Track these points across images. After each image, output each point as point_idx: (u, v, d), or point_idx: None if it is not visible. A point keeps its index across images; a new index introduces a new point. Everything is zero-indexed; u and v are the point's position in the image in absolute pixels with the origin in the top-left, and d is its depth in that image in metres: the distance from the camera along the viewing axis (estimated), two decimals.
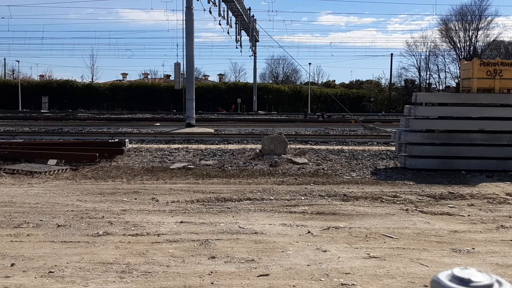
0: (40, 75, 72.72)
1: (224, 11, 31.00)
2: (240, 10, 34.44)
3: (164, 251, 4.90)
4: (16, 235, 5.47)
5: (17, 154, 11.59)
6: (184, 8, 22.50)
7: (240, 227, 5.82)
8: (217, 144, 15.55)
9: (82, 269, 4.37)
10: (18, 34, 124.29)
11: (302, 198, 7.61)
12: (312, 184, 8.86)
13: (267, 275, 4.26)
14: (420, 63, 60.98)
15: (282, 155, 11.88)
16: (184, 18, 22.57)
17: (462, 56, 54.68)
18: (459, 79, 12.66)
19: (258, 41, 47.52)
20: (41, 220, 6.14)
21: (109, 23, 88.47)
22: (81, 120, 28.66)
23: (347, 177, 9.66)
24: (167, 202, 7.26)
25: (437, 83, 61.98)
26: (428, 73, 61.66)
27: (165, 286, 4.02)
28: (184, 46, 22.76)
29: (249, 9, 40.02)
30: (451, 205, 7.22)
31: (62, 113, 31.68)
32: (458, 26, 57.06)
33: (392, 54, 67.04)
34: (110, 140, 14.44)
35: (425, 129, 10.84)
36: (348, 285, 4.04)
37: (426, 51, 61.27)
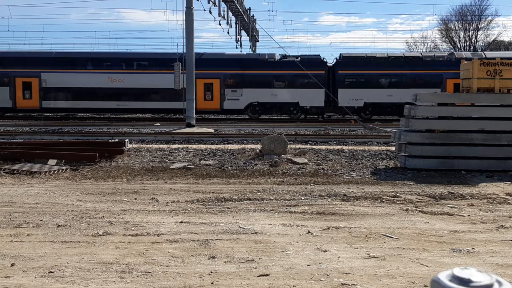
0: None
1: (224, 11, 30.92)
2: (240, 10, 34.38)
3: (164, 251, 4.90)
4: (16, 235, 5.47)
5: (17, 154, 11.59)
6: (184, 8, 22.46)
7: (240, 227, 5.82)
8: (217, 144, 15.54)
9: (82, 269, 4.38)
10: (18, 34, 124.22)
11: (302, 198, 7.61)
12: (312, 184, 8.85)
13: (267, 275, 4.26)
14: None
15: (282, 155, 11.88)
16: (184, 18, 22.53)
17: None
18: (459, 79, 12.63)
19: (258, 41, 47.41)
20: (41, 220, 6.14)
21: (110, 23, 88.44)
22: (81, 120, 28.65)
23: (347, 177, 9.66)
24: (167, 202, 7.26)
25: None
26: None
27: (165, 286, 4.02)
28: (184, 46, 22.75)
29: (249, 9, 39.92)
30: (451, 205, 7.22)
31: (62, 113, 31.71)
32: (458, 26, 56.97)
33: None
34: (110, 140, 14.45)
35: (425, 129, 10.84)
36: (348, 285, 4.05)
37: (426, 51, 61.20)
